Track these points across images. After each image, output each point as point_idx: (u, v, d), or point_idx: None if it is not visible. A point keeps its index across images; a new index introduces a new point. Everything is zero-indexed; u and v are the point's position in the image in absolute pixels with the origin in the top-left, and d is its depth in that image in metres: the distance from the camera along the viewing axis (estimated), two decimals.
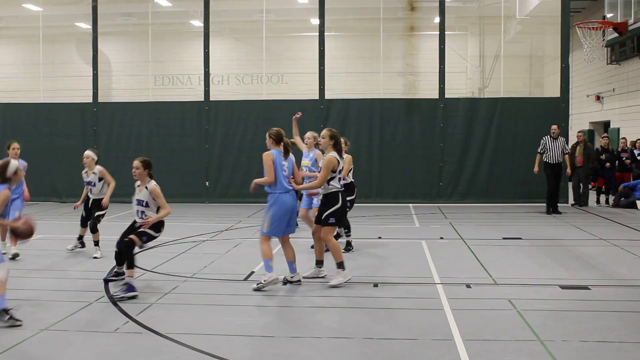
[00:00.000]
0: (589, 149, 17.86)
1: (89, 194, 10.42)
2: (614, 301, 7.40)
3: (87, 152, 10.47)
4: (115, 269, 8.32)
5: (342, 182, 8.53)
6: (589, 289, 7.99)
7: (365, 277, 8.67)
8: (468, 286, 8.15)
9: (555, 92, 18.58)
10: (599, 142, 20.08)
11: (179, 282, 8.42)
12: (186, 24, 24.07)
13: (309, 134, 10.85)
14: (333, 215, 8.17)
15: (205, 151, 19.07)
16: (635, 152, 18.52)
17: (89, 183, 10.36)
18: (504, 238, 12.05)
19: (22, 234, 6.68)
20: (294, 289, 8.11)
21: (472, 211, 16.60)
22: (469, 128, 18.45)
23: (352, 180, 10.62)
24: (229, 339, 6.10)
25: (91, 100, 19.55)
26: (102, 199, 10.16)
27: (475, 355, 5.57)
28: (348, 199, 10.02)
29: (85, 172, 10.40)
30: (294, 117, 11.03)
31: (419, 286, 8.25)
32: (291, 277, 8.29)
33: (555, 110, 18.06)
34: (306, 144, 10.84)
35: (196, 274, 8.92)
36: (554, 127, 16.00)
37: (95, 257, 10.10)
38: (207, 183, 19.03)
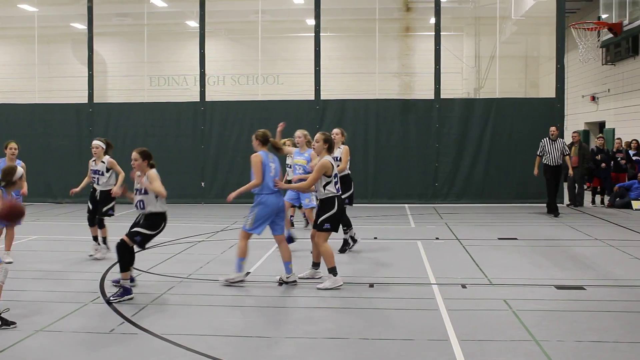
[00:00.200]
0: (584, 149, 17.90)
1: (94, 184, 10.15)
2: (609, 301, 7.42)
3: (96, 142, 10.15)
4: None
5: (340, 174, 8.47)
6: (584, 289, 8.01)
7: (360, 278, 8.67)
8: (463, 286, 8.16)
9: (551, 93, 18.61)
10: (594, 142, 20.11)
11: (175, 283, 8.41)
12: (182, 25, 24.06)
13: (299, 133, 10.83)
14: (328, 220, 8.11)
15: (201, 152, 19.06)
16: (630, 152, 18.57)
17: (95, 172, 10.08)
18: (500, 238, 12.07)
19: (6, 216, 6.48)
20: (289, 289, 8.10)
21: (467, 211, 16.62)
22: (464, 128, 18.48)
23: (349, 172, 10.56)
24: (225, 339, 6.09)
25: (86, 101, 19.52)
26: (108, 190, 9.80)
27: (470, 356, 5.58)
28: (346, 195, 10.06)
29: (94, 161, 10.15)
30: (278, 130, 10.75)
31: (415, 287, 8.26)
32: (287, 278, 8.29)
33: (550, 111, 18.09)
34: (297, 143, 10.82)
35: (192, 275, 8.91)
36: (553, 128, 15.79)
37: (90, 256, 10.03)
38: (202, 184, 19.02)
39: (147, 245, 7.97)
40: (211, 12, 20.11)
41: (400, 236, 12.60)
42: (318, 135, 8.34)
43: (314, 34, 18.90)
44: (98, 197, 10.13)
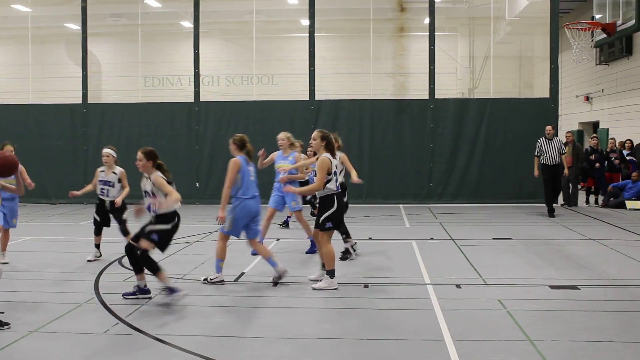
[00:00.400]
0: (577, 149, 17.95)
1: (102, 196, 9.86)
2: (603, 301, 7.44)
3: (107, 150, 9.95)
4: (137, 284, 7.64)
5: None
6: (579, 288, 8.03)
7: (355, 278, 8.67)
8: (458, 286, 8.16)
9: (545, 93, 18.66)
10: (588, 142, 20.16)
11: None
12: (176, 25, 24.01)
13: (282, 135, 10.64)
14: (329, 219, 8.02)
15: (196, 152, 19.04)
16: (624, 152, 18.64)
17: (106, 183, 9.83)
18: (494, 238, 12.09)
19: None
20: (285, 290, 8.09)
21: (462, 211, 16.64)
22: (459, 128, 18.51)
23: (343, 180, 10.50)
24: (219, 340, 6.09)
25: (81, 101, 19.50)
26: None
27: (465, 356, 5.59)
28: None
29: (103, 171, 9.89)
30: (259, 153, 10.35)
31: (409, 287, 8.26)
32: (277, 272, 8.31)
33: (544, 111, 18.13)
34: (280, 145, 10.62)
35: (186, 276, 8.90)
36: (549, 128, 15.78)
37: (89, 260, 9.96)
38: (197, 184, 18.99)
39: (166, 248, 7.57)
40: (205, 13, 20.11)
41: (394, 236, 12.60)
42: (315, 133, 8.19)
43: (308, 34, 18.91)
44: (109, 208, 9.89)
